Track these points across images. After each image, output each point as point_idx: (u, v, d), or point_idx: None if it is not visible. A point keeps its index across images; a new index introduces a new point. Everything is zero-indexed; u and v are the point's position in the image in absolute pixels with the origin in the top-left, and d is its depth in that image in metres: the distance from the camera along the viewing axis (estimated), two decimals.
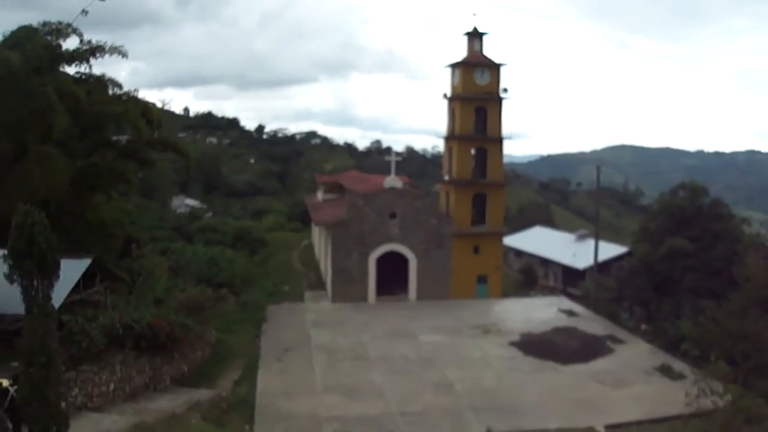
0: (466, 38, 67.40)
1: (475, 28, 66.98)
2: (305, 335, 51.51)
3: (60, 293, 35.31)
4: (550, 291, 78.22)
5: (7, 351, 32.96)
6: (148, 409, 34.40)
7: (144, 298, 48.70)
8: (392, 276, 63.07)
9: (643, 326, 58.45)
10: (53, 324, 21.48)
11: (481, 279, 65.68)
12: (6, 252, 20.75)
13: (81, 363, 34.51)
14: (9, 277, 20.79)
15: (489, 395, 40.00)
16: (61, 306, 37.12)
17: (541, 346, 48.97)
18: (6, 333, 35.33)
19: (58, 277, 21.15)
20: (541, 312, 59.97)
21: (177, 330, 40.57)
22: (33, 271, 20.60)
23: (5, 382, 24.64)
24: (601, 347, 49.30)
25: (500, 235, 68.39)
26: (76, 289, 42.43)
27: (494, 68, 66.03)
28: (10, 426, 23.87)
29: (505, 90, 66.09)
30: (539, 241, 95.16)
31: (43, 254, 20.45)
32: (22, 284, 20.72)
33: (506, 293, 67.82)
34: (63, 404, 21.28)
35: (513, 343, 49.66)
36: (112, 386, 35.51)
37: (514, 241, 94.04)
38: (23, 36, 50.98)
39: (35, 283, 20.80)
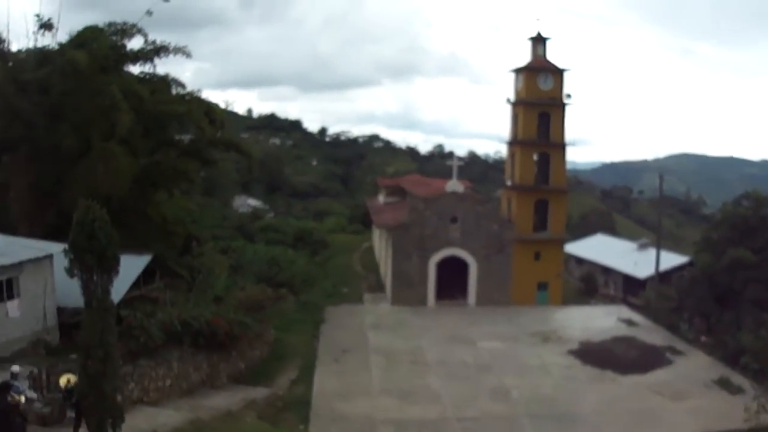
0: (529, 43, 66.87)
1: (538, 33, 66.45)
2: (363, 337, 51.43)
3: (120, 288, 35.74)
4: (611, 300, 77.17)
5: (67, 343, 33.48)
6: (203, 405, 34.58)
7: (203, 295, 49.07)
8: (452, 280, 62.71)
9: (703, 338, 57.31)
10: (112, 319, 21.61)
11: (542, 286, 65.08)
12: (67, 246, 20.93)
13: (138, 358, 34.84)
14: (69, 272, 20.95)
15: (546, 403, 39.55)
16: (121, 301, 37.57)
17: (599, 356, 48.34)
18: (66, 326, 35.88)
19: (118, 272, 21.26)
20: (601, 321, 59.19)
21: (235, 328, 40.67)
22: (93, 265, 20.71)
23: (72, 378, 25.32)
24: (660, 358, 48.55)
25: (562, 242, 67.75)
26: (136, 284, 42.93)
27: (557, 73, 65.45)
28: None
29: (569, 96, 65.45)
30: (600, 249, 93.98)
31: (103, 249, 20.56)
32: (82, 278, 20.85)
33: (566, 301, 67.04)
34: (119, 398, 21.44)
35: (572, 352, 49.10)
36: (168, 382, 35.80)
37: (576, 248, 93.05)
38: (89, 36, 51.67)
39: (95, 277, 20.91)
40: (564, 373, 44.88)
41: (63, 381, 26.09)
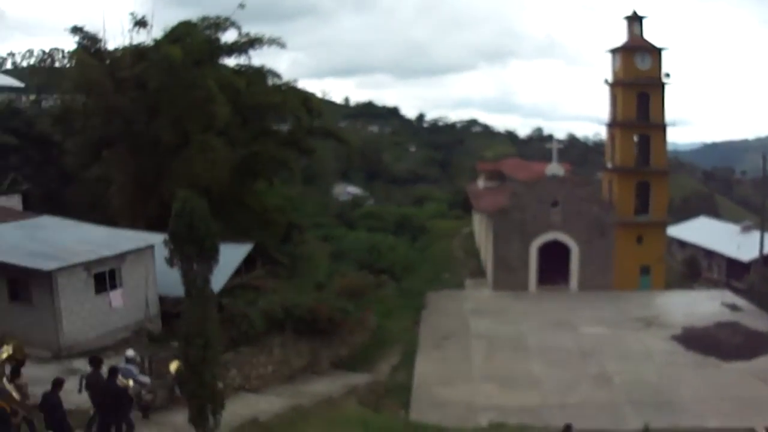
0: (625, 22, 65.56)
1: (634, 12, 64.99)
2: (464, 323, 51.23)
3: (221, 277, 36.35)
4: (714, 284, 75.49)
5: (169, 332, 34.15)
6: (305, 391, 34.90)
7: (305, 282, 49.55)
8: (553, 265, 61.97)
9: None
10: (212, 307, 21.86)
11: (644, 270, 63.85)
12: (167, 236, 21.25)
13: (240, 345, 35.39)
14: (169, 261, 21.27)
15: (648, 390, 38.64)
16: (223, 289, 38.18)
17: (703, 341, 47.12)
18: (168, 314, 36.61)
19: (218, 261, 21.46)
20: (704, 305, 57.62)
21: (337, 315, 40.94)
22: (192, 255, 20.94)
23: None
24: (766, 344, 47.00)
25: (664, 225, 66.37)
26: (237, 273, 43.53)
27: (655, 52, 63.98)
28: None
29: (667, 75, 63.91)
30: (703, 232, 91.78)
31: (202, 239, 20.77)
32: (182, 268, 21.11)
33: (669, 285, 65.71)
34: (220, 385, 21.72)
35: (674, 337, 48.01)
36: (270, 368, 36.28)
37: (678, 231, 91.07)
38: (183, 31, 52.62)
39: (194, 266, 21.16)
40: (666, 359, 43.90)
41: (173, 367, 26.64)
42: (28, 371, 28.00)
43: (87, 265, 35.49)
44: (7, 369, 22.24)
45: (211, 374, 20.83)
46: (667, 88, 63.87)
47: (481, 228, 75.06)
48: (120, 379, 22.73)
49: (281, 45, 56.45)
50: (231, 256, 40.52)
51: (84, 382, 22.83)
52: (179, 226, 20.68)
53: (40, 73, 65.40)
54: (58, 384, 20.93)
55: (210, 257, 21.16)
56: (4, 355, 23.10)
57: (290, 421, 29.84)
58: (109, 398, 22.03)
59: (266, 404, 31.52)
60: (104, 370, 23.29)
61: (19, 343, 23.80)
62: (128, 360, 26.27)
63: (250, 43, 55.78)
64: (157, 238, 31.02)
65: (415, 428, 31.55)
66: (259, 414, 29.42)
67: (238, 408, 28.96)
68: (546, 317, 52.31)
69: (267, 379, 35.78)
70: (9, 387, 21.41)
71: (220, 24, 54.62)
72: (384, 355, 44.32)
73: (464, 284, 64.53)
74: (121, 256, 37.60)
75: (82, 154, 54.17)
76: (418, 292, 59.73)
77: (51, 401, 20.74)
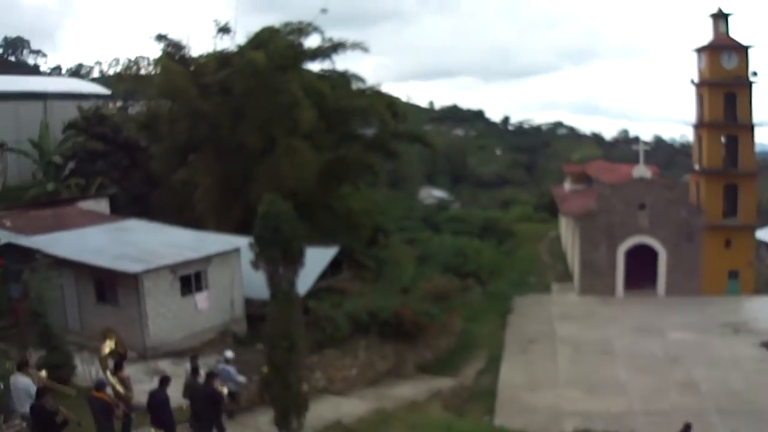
0: (711, 20, 64.00)
1: (719, 9, 63.27)
2: (550, 327, 50.67)
3: (307, 280, 36.61)
4: None
5: (255, 334, 34.47)
6: (389, 395, 34.88)
7: (390, 286, 49.44)
8: (640, 269, 61.00)
9: None
10: (297, 310, 22.03)
11: (732, 275, 62.18)
12: (252, 239, 21.40)
13: (325, 348, 35.50)
14: (255, 264, 21.42)
15: (737, 398, 37.54)
16: (308, 292, 38.41)
17: None
18: (254, 317, 36.92)
19: (303, 264, 21.61)
20: None
21: (422, 318, 40.78)
22: (277, 258, 21.10)
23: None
24: None
25: (753, 229, 64.56)
26: (323, 276, 43.73)
27: (742, 50, 62.26)
28: None
29: (755, 74, 62.00)
30: None
31: (287, 242, 20.91)
32: (267, 271, 21.27)
33: (758, 290, 63.93)
34: (304, 387, 21.82)
35: (764, 344, 46.52)
36: (354, 371, 36.33)
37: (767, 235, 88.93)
38: (266, 37, 53.24)
39: (280, 270, 21.29)
40: (756, 367, 42.62)
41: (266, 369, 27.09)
42: None
43: (173, 268, 36.12)
44: (111, 363, 23.00)
45: (296, 377, 20.96)
46: (754, 87, 62.16)
47: (567, 231, 74.27)
48: (217, 384, 23.12)
49: (364, 49, 56.76)
50: (317, 259, 40.75)
51: (185, 387, 23.64)
52: (265, 229, 20.87)
53: (126, 81, 66.75)
54: (165, 381, 21.58)
55: (295, 260, 21.32)
56: (107, 350, 23.53)
57: (373, 424, 29.87)
58: (206, 403, 22.41)
59: (350, 407, 31.58)
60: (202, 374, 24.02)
61: (120, 338, 24.40)
62: (227, 361, 26.79)
63: (334, 47, 56.19)
64: (242, 241, 31.40)
65: None
66: (342, 417, 29.51)
67: (321, 410, 29.06)
68: (633, 322, 51.39)
69: (351, 382, 35.83)
70: (113, 380, 22.25)
71: (303, 29, 55.12)
72: (469, 359, 44.00)
73: (550, 288, 63.85)
74: (207, 259, 38.13)
75: (168, 159, 55.07)
76: (504, 295, 59.20)
77: (159, 398, 21.37)
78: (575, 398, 37.41)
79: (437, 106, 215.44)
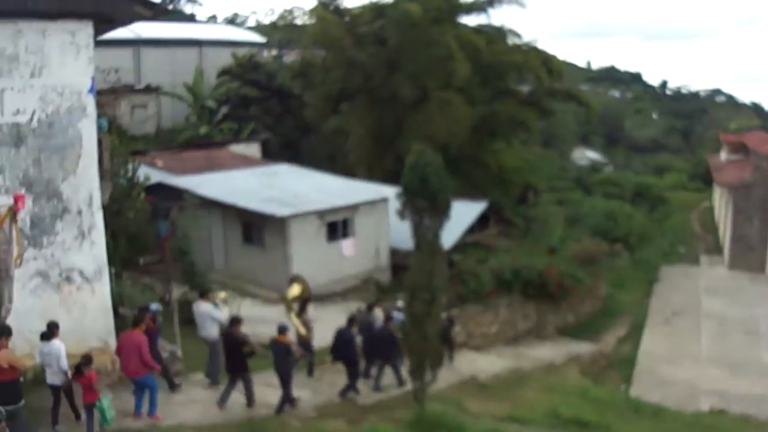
0: None
1: None
2: (696, 301, 49.10)
3: (453, 233, 36.62)
4: None
5: (398, 283, 34.65)
6: (527, 355, 34.59)
7: (537, 245, 48.99)
8: None
9: None
10: (441, 262, 21.85)
11: None
12: (400, 189, 21.34)
13: (467, 302, 35.37)
14: (400, 214, 21.38)
15: None
16: (454, 246, 38.34)
17: None
18: (398, 266, 37.13)
19: (449, 216, 21.36)
20: None
21: (567, 280, 40.10)
22: (424, 209, 20.96)
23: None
24: None
25: None
26: (470, 231, 43.59)
27: None
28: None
29: None
30: None
31: (434, 193, 20.72)
32: (413, 221, 21.18)
33: None
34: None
35: None
36: (494, 328, 36.07)
37: None
38: None
39: (425, 221, 21.16)
40: None
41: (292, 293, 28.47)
42: (259, 311, 29.56)
43: (320, 214, 36.63)
44: (296, 306, 25.12)
45: (434, 329, 20.86)
46: None
47: (720, 203, 71.87)
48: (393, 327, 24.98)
49: (521, 4, 56.20)
50: (465, 213, 40.62)
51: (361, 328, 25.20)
52: (412, 180, 20.73)
53: (281, 29, 67.77)
54: (352, 321, 23.98)
55: (441, 212, 21.10)
56: (295, 293, 25.53)
57: (509, 382, 29.70)
58: (385, 344, 24.69)
59: (487, 363, 31.46)
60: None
61: (305, 283, 26.01)
62: (398, 309, 27.33)
63: (490, 1, 55.75)
64: (391, 191, 31.46)
65: (634, 405, 30.54)
66: (478, 373, 29.40)
67: (457, 364, 29.06)
68: None
69: (490, 339, 35.60)
70: (296, 322, 24.61)
71: None
72: (611, 325, 43.14)
73: (699, 260, 62.04)
74: (355, 207, 38.55)
75: (321, 107, 55.84)
76: (651, 264, 57.81)
77: (345, 336, 23.48)
78: (715, 376, 36.09)
79: (594, 66, 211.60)
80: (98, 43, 20.11)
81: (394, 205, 22.79)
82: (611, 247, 55.52)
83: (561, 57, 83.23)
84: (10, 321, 16.12)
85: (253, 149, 53.50)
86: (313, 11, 57.69)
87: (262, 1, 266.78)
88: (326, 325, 25.32)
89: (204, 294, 23.21)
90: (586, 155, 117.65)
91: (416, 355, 20.90)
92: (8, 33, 18.16)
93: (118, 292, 22.13)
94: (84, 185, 19.36)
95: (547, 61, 57.51)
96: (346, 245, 38.12)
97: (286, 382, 21.02)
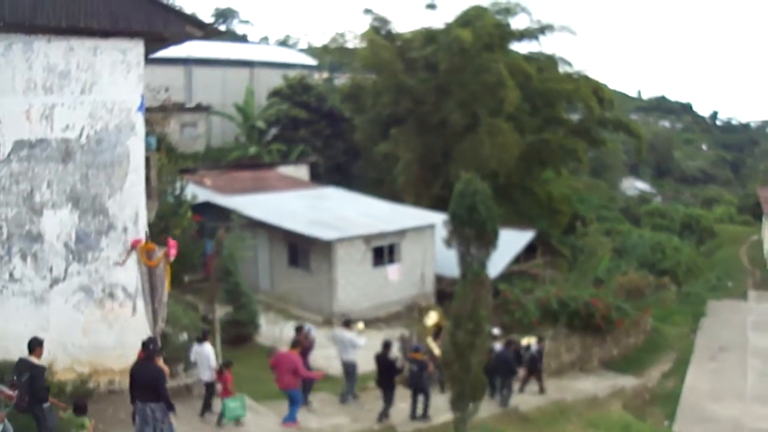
0: None
1: None
2: (743, 337, 48.13)
3: (499, 262, 36.38)
4: None
5: (443, 311, 34.51)
6: (570, 387, 34.14)
7: (584, 276, 48.62)
8: None
9: None
10: (486, 292, 21.68)
11: None
12: (447, 217, 21.23)
13: (511, 333, 35.03)
14: (447, 242, 21.25)
15: None
16: (500, 275, 38.08)
17: None
18: (443, 294, 36.97)
19: (496, 246, 21.20)
20: None
21: (613, 312, 39.65)
22: (471, 238, 20.82)
23: (532, 340, 31.21)
24: None
25: None
26: (516, 260, 43.32)
27: None
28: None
29: None
30: None
31: (482, 222, 20.58)
32: (459, 250, 21.05)
33: None
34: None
35: None
36: None
37: None
38: (473, 15, 53.60)
39: (472, 249, 21.01)
40: None
41: (525, 342, 31.32)
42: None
43: (367, 238, 36.59)
44: (432, 332, 28.50)
45: (478, 359, 20.65)
46: None
47: None
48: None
49: (572, 32, 56.25)
50: (512, 242, 40.45)
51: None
52: (460, 208, 20.62)
53: (332, 52, 68.38)
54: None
55: (489, 241, 20.96)
56: (432, 321, 29.45)
57: (551, 415, 29.30)
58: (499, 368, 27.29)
59: (529, 395, 31.08)
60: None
61: (442, 314, 29.41)
62: (494, 337, 28.54)
63: (541, 29, 56.15)
64: (438, 218, 31.36)
65: None
66: (520, 404, 29.05)
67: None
68: None
69: None
70: (432, 345, 27.62)
71: (511, 9, 55.20)
72: (656, 360, 42.49)
73: (747, 295, 61.10)
74: (402, 232, 38.50)
75: (370, 131, 56.19)
76: (699, 298, 57.02)
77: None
78: (761, 415, 35.19)
79: (645, 95, 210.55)
80: (149, 61, 20.28)
81: (441, 231, 22.69)
82: (658, 279, 54.91)
83: (611, 86, 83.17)
84: (51, 333, 17.57)
85: (301, 171, 53.75)
86: (364, 35, 57.92)
87: (314, 24, 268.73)
88: (369, 350, 25.30)
89: (347, 324, 25.89)
90: (634, 185, 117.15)
91: (458, 385, 20.67)
92: (60, 50, 18.37)
93: None
94: (130, 202, 19.50)
95: (597, 89, 57.29)
96: (392, 270, 38.05)
97: (421, 393, 23.73)
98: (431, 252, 39.74)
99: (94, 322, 19.02)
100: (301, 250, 37.16)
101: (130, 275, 19.61)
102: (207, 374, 21.09)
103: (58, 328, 18.21)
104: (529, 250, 46.32)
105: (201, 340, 21.55)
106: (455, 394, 20.90)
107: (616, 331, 40.49)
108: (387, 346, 23.94)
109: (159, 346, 17.45)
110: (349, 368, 25.11)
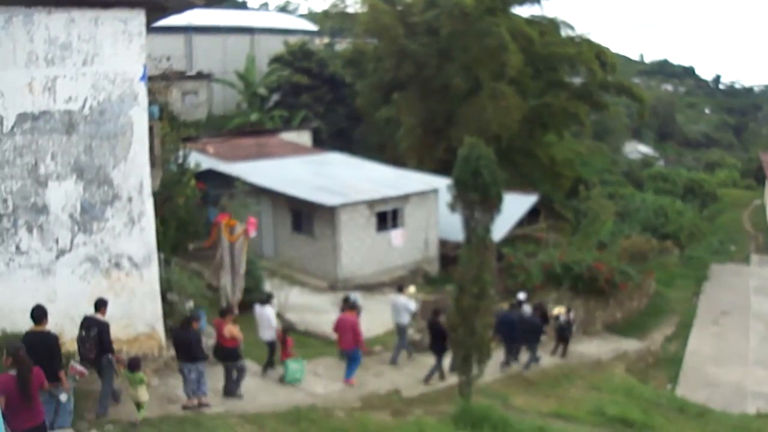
0: None
1: None
2: (746, 301, 48.12)
3: (503, 226, 36.46)
4: None
5: (446, 275, 34.56)
6: (574, 351, 34.13)
7: (587, 240, 48.65)
8: None
9: None
10: (490, 256, 21.69)
11: None
12: (451, 182, 21.20)
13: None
14: (451, 207, 21.24)
15: None
16: (503, 239, 38.13)
17: None
18: (447, 258, 37.06)
19: (500, 210, 21.18)
20: None
21: (616, 276, 39.69)
22: (475, 202, 20.79)
23: (563, 309, 31.92)
24: None
25: None
26: (520, 224, 43.38)
27: None
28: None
29: None
30: None
31: (486, 186, 20.54)
32: (463, 214, 21.03)
33: None
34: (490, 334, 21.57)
35: None
36: None
37: None
38: None
39: (476, 214, 20.99)
40: None
41: (555, 311, 32.49)
42: (308, 299, 29.98)
43: (370, 203, 36.58)
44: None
45: (482, 323, 20.70)
46: None
47: None
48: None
49: None
50: (515, 206, 40.40)
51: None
52: (464, 172, 20.57)
53: (333, 18, 68.08)
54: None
55: (493, 206, 20.93)
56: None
57: (555, 378, 29.42)
58: (529, 332, 28.38)
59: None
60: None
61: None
62: (520, 303, 29.84)
63: None
64: (441, 182, 31.36)
65: (679, 405, 30.13)
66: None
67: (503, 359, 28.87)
68: None
69: None
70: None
71: None
72: (659, 323, 42.54)
73: (749, 259, 61.10)
74: (405, 197, 38.49)
75: (372, 96, 56.00)
76: (701, 262, 57.00)
77: (508, 318, 27.36)
78: (762, 378, 35.33)
79: (647, 59, 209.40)
80: (150, 30, 20.20)
81: (444, 195, 22.71)
82: (661, 243, 54.93)
83: (614, 49, 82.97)
84: (59, 304, 17.68)
85: (303, 137, 53.70)
86: (365, 0, 57.63)
87: None
88: (373, 314, 25.52)
89: (401, 289, 27.62)
90: (637, 149, 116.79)
91: (463, 349, 20.75)
92: (61, 21, 18.25)
93: (166, 278, 22.20)
94: (134, 172, 19.44)
95: (600, 53, 57.15)
96: (396, 235, 38.12)
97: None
98: (435, 216, 39.77)
99: (100, 292, 18.90)
100: (305, 216, 37.19)
101: (136, 245, 19.63)
102: (268, 333, 22.85)
103: (65, 299, 18.18)
104: (532, 214, 46.35)
105: (264, 302, 23.23)
106: (460, 358, 20.99)
107: (620, 294, 40.57)
108: (436, 312, 24.91)
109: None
110: (401, 330, 26.43)
